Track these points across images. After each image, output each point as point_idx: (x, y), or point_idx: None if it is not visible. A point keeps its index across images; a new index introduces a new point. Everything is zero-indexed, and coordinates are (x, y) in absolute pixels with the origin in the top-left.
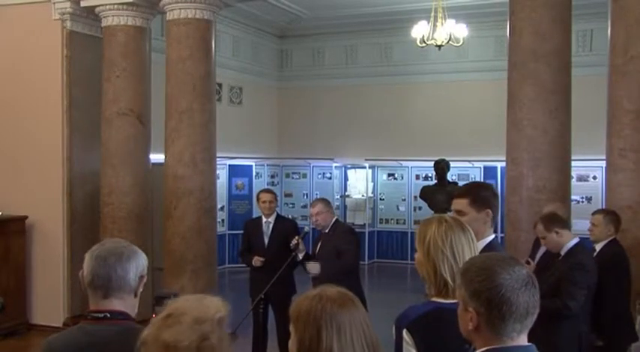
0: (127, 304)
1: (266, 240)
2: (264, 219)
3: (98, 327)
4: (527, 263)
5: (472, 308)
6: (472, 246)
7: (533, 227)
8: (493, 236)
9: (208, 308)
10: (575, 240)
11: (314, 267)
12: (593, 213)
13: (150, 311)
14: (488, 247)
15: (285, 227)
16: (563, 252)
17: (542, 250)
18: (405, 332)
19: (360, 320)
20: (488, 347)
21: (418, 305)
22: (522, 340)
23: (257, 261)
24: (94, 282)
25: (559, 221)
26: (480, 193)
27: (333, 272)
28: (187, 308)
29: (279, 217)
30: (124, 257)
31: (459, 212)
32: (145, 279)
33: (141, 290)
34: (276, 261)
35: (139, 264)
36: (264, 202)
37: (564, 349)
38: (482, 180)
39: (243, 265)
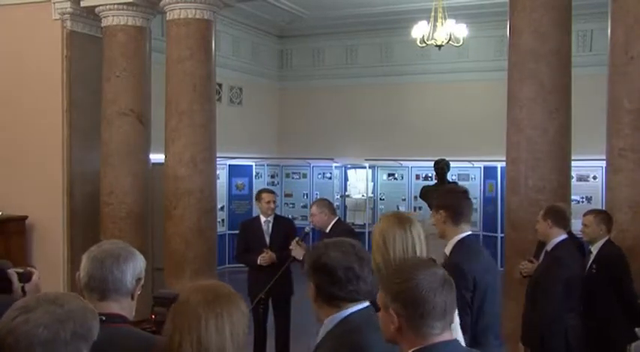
0: (123, 306)
1: (267, 239)
2: (263, 219)
3: None
4: (531, 262)
5: (392, 309)
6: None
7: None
8: (466, 233)
9: None
10: (562, 237)
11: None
12: (585, 214)
13: (149, 311)
14: (460, 244)
15: (285, 225)
16: (549, 248)
17: None
18: None
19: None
20: (415, 348)
21: None
22: (447, 336)
23: (270, 257)
24: (90, 284)
25: (559, 218)
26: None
27: None
28: None
29: (277, 216)
30: (120, 259)
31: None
32: (142, 282)
33: (138, 292)
34: (278, 260)
35: (136, 266)
36: (267, 202)
37: (550, 344)
38: (481, 180)
39: (243, 265)
